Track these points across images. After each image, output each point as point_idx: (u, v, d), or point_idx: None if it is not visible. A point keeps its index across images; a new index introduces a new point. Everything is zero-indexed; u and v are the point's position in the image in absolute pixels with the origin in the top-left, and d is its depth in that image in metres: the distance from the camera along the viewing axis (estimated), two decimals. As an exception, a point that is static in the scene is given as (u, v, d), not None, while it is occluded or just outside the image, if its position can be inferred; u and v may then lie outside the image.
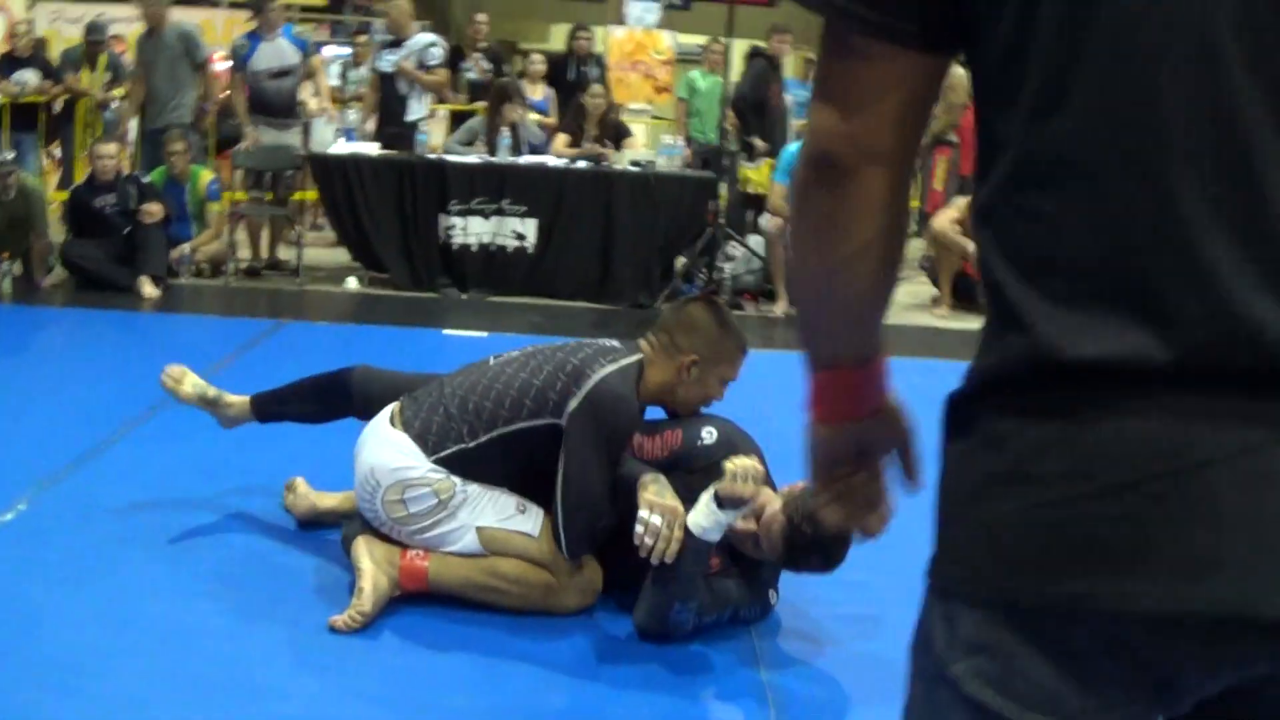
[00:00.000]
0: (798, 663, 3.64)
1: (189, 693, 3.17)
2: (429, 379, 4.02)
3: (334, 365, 6.50)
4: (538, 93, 11.76)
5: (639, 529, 3.48)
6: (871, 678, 3.52)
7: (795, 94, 11.95)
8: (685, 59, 15.29)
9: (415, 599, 3.71)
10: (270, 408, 4.39)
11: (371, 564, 3.64)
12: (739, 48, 11.34)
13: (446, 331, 7.71)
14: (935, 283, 10.45)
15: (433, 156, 9.28)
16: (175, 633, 3.49)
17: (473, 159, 9.29)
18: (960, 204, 10.16)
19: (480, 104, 11.72)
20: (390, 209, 8.93)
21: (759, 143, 10.68)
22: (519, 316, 8.44)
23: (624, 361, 3.72)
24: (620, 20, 15.53)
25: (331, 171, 8.94)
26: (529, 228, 9.15)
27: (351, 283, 9.04)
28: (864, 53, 1.21)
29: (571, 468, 3.59)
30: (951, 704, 1.26)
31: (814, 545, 3.51)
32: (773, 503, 3.58)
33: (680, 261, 9.48)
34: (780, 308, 9.28)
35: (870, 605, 3.96)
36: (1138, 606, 1.13)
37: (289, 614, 3.66)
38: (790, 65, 13.19)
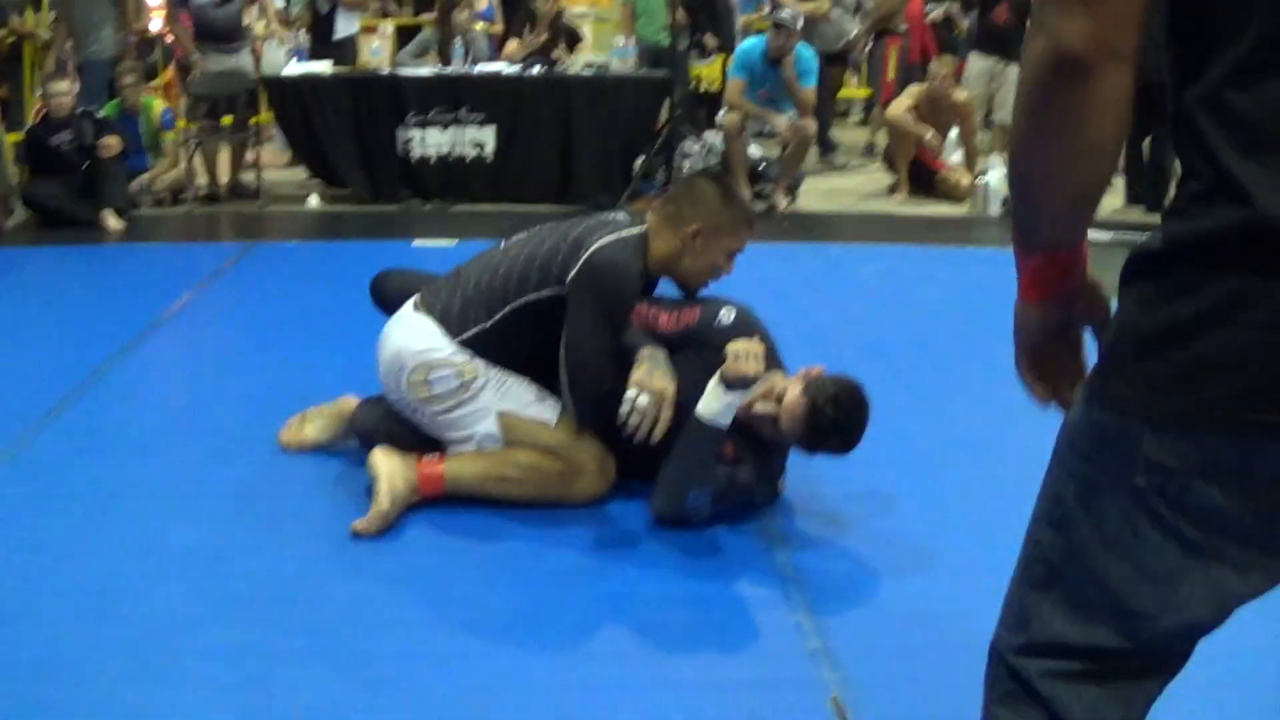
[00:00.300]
0: (812, 542, 3.75)
1: (228, 608, 3.24)
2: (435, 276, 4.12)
3: (307, 284, 6.61)
4: (483, 0, 11.67)
5: (624, 409, 3.59)
6: (885, 553, 3.66)
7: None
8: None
9: (434, 504, 3.78)
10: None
11: (388, 468, 3.71)
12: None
13: (415, 243, 7.70)
14: (892, 170, 10.51)
15: (386, 71, 9.23)
16: (202, 553, 3.56)
17: (426, 71, 9.25)
18: (914, 91, 10.21)
19: (426, 16, 11.66)
20: (347, 126, 8.90)
21: (710, 39, 10.67)
22: (485, 223, 8.43)
23: (625, 232, 3.78)
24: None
25: (286, 93, 8.91)
26: (487, 135, 9.15)
27: (313, 201, 9.01)
28: None
29: (572, 334, 3.68)
30: (1136, 511, 1.45)
31: (835, 427, 3.63)
32: (792, 386, 3.69)
33: (639, 161, 9.50)
34: (743, 202, 9.32)
35: (877, 483, 4.08)
36: None
37: (312, 525, 3.74)
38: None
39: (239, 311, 6.02)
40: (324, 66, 9.28)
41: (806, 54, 9.37)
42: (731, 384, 3.59)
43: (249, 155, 9.26)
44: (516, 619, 3.23)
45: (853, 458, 3.79)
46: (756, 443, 3.84)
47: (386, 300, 4.21)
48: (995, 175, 9.78)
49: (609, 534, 3.74)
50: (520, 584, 3.42)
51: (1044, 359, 1.64)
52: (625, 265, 3.71)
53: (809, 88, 9.34)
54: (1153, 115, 9.98)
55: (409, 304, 3.95)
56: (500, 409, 3.78)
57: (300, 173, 9.64)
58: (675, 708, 2.85)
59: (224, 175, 9.36)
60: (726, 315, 3.90)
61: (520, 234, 3.98)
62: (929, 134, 9.98)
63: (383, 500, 3.65)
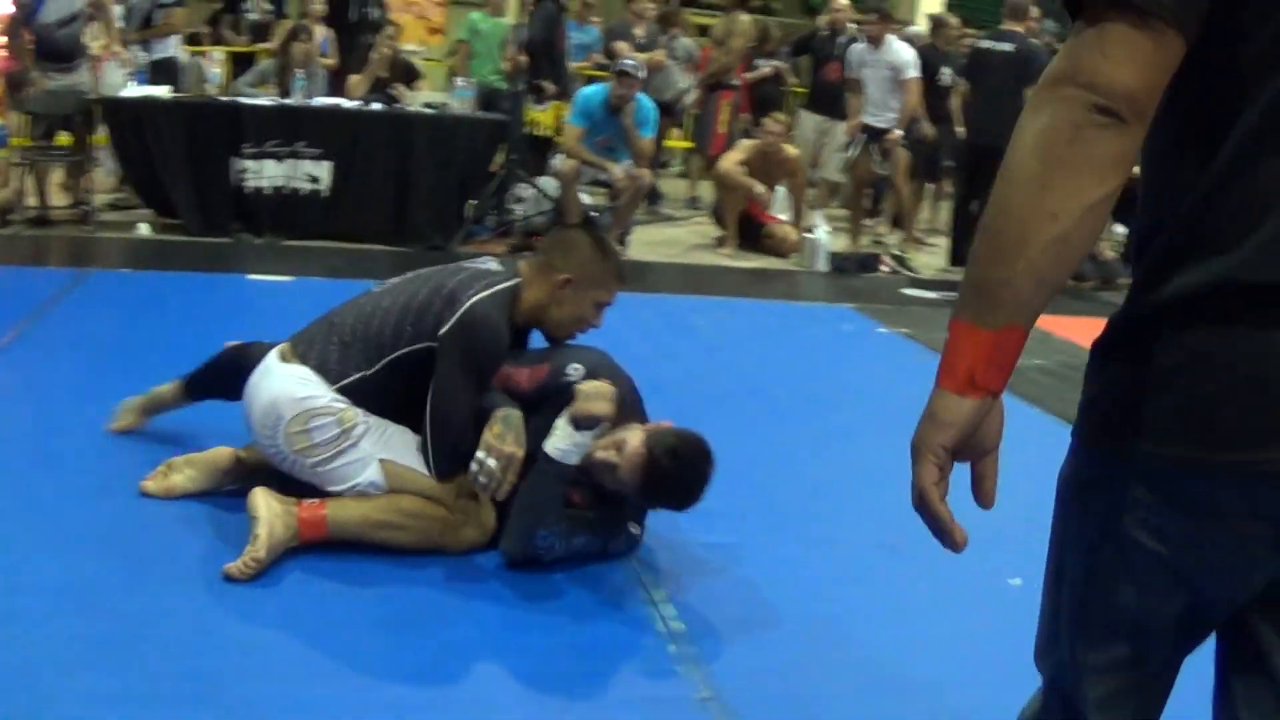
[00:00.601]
0: (683, 590, 3.83)
1: (102, 653, 3.15)
2: None
3: (144, 316, 6.49)
4: (317, 34, 11.59)
5: (474, 467, 3.65)
6: (754, 599, 3.79)
7: (574, 37, 12.04)
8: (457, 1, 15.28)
9: (309, 547, 3.75)
10: (198, 388, 4.50)
11: (268, 513, 3.66)
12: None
13: (250, 277, 7.62)
14: (720, 223, 10.71)
15: (225, 99, 9.12)
16: (70, 594, 3.45)
17: (267, 101, 9.15)
18: (746, 146, 10.45)
19: (261, 45, 11.55)
20: (182, 152, 8.71)
21: (548, 85, 10.76)
22: (318, 260, 8.39)
23: (499, 286, 3.81)
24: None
25: (123, 115, 8.70)
26: (323, 170, 9.07)
27: (143, 228, 8.82)
28: (1160, 35, 1.42)
29: (438, 388, 3.70)
30: (1129, 544, 1.58)
31: (672, 480, 3.71)
32: (633, 436, 3.75)
33: (470, 204, 9.53)
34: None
35: (736, 531, 4.22)
36: None
37: (185, 567, 3.66)
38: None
39: (78, 343, 5.86)
40: (163, 90, 9.12)
41: (646, 104, 9.53)
42: (579, 423, 3.66)
43: (86, 179, 9.04)
44: (397, 668, 3.23)
45: (710, 506, 3.87)
46: (604, 493, 3.89)
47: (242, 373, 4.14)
48: (822, 231, 10.05)
49: (492, 587, 3.75)
50: (400, 631, 3.41)
51: (943, 470, 1.55)
52: (496, 324, 3.76)
53: (647, 137, 9.49)
54: (980, 177, 10.42)
55: (273, 355, 3.91)
56: (382, 456, 3.77)
57: (130, 198, 9.45)
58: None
59: (53, 198, 9.11)
60: (574, 372, 3.91)
61: (394, 279, 3.99)
62: (759, 189, 10.21)
63: (260, 545, 3.60)
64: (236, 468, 4.13)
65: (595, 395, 3.69)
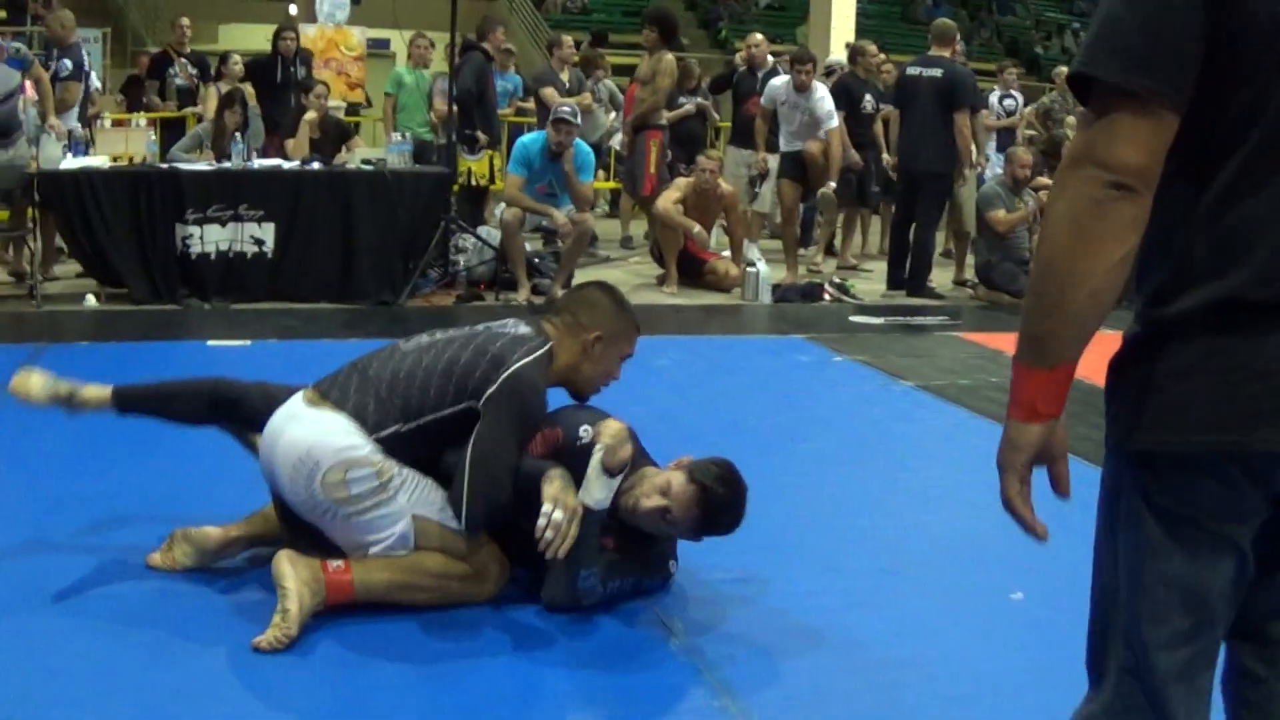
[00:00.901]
0: (707, 626, 3.91)
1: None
2: (281, 387, 4.11)
3: (109, 381, 6.43)
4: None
5: (541, 522, 3.67)
6: (770, 628, 3.88)
7: (496, 84, 12.10)
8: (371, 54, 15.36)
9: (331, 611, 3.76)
10: (133, 404, 4.38)
11: (296, 582, 3.65)
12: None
13: (210, 343, 7.60)
14: (660, 262, 10.81)
15: (165, 166, 9.10)
16: (92, 674, 3.44)
17: (204, 166, 9.14)
18: (681, 184, 10.55)
19: (189, 110, 11.54)
20: (125, 222, 8.69)
21: (481, 135, 10.82)
22: (271, 322, 8.39)
23: (538, 352, 3.89)
24: (303, 19, 15.41)
25: (63, 187, 8.65)
26: (267, 232, 9.08)
27: (90, 300, 8.77)
28: (1159, 117, 1.75)
29: (482, 449, 3.73)
30: (1171, 519, 1.87)
31: (727, 505, 3.87)
32: (673, 476, 3.88)
33: (421, 259, 9.54)
34: (524, 295, 9.47)
35: (739, 567, 4.30)
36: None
37: (207, 638, 3.66)
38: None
39: (55, 419, 5.81)
40: (101, 160, 9.09)
41: (584, 149, 9.63)
42: (613, 471, 3.79)
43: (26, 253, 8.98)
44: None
45: (715, 541, 4.02)
46: (636, 533, 3.99)
47: (241, 414, 4.20)
48: (762, 264, 10.17)
49: (516, 635, 3.79)
50: (435, 692, 3.44)
51: (1025, 483, 1.91)
52: (540, 390, 3.87)
53: (588, 182, 9.59)
54: (915, 202, 10.62)
55: (298, 400, 3.92)
56: (415, 512, 3.80)
57: (72, 269, 9.39)
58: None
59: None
60: (585, 433, 3.98)
61: (423, 338, 4.03)
62: (695, 228, 10.31)
63: (291, 620, 3.59)
64: (230, 546, 4.13)
65: (620, 441, 3.80)
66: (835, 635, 3.86)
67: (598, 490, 3.78)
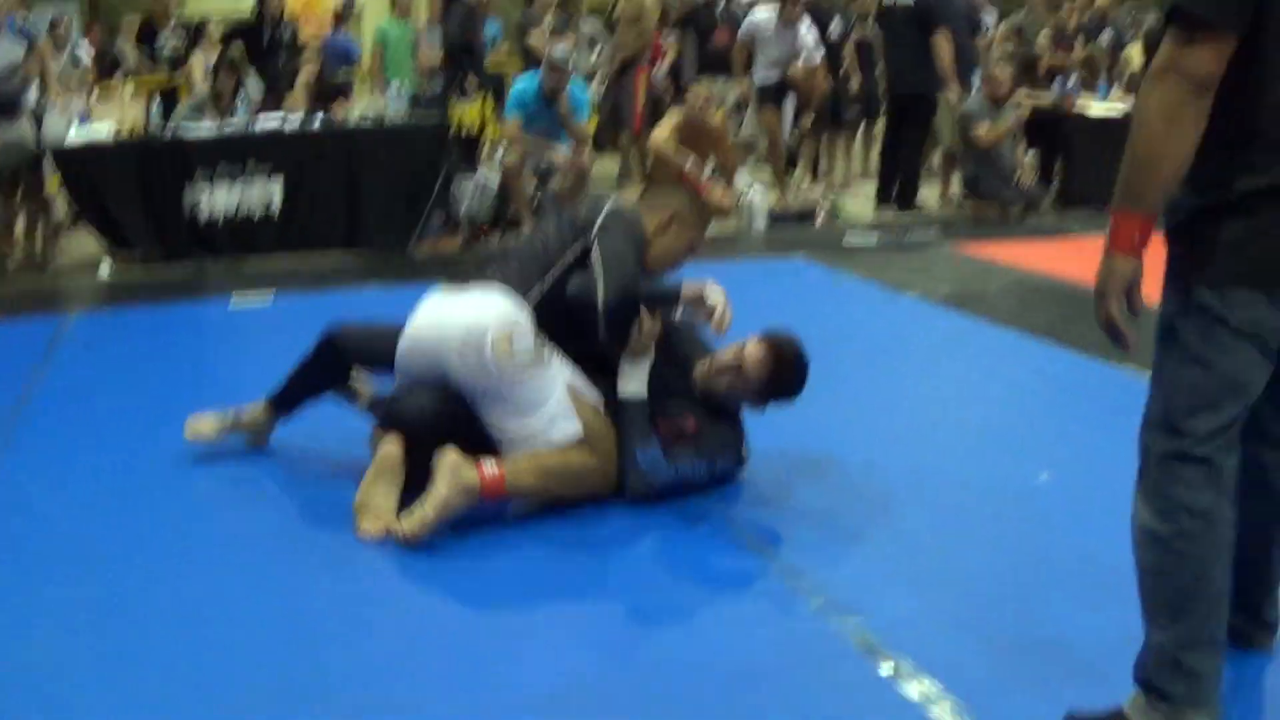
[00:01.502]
0: (767, 520, 4.22)
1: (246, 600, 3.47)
2: (389, 327, 4.38)
3: (150, 348, 6.66)
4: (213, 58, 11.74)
5: (712, 300, 4.41)
6: (831, 523, 4.18)
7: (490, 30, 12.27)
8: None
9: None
10: (286, 399, 4.69)
11: (449, 489, 3.92)
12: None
13: (233, 302, 7.79)
14: (656, 195, 11.01)
15: (168, 135, 9.27)
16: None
17: (209, 128, 9.31)
18: (673, 117, 10.70)
19: (178, 75, 11.68)
20: (135, 189, 8.87)
21: (471, 80, 10.99)
22: (286, 276, 8.55)
23: (627, 204, 4.46)
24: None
25: (72, 161, 8.83)
26: (275, 188, 9.26)
27: (104, 269, 8.93)
28: (1225, 39, 2.47)
29: (609, 253, 4.21)
30: (1226, 331, 2.60)
31: (795, 366, 4.32)
32: (749, 342, 4.32)
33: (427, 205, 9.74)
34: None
35: (810, 463, 4.68)
36: None
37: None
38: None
39: (88, 385, 5.98)
40: (106, 130, 9.24)
41: (578, 90, 9.82)
42: (636, 355, 4.29)
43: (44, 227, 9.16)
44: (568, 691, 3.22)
45: (766, 442, 4.42)
46: (713, 412, 4.37)
47: (355, 355, 4.49)
48: (757, 193, 10.39)
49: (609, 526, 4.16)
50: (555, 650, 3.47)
51: (1119, 299, 2.60)
52: (636, 216, 4.40)
53: (582, 122, 9.79)
54: (905, 127, 10.86)
55: (442, 294, 4.33)
56: (566, 378, 4.19)
57: (82, 240, 9.56)
58: None
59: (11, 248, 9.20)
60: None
61: (526, 231, 4.47)
62: (689, 161, 10.50)
63: (429, 518, 3.91)
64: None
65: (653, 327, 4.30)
66: (881, 525, 4.16)
67: (633, 382, 4.22)
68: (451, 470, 3.94)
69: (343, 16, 13.81)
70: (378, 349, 4.35)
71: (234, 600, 3.65)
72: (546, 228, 4.42)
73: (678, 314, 4.52)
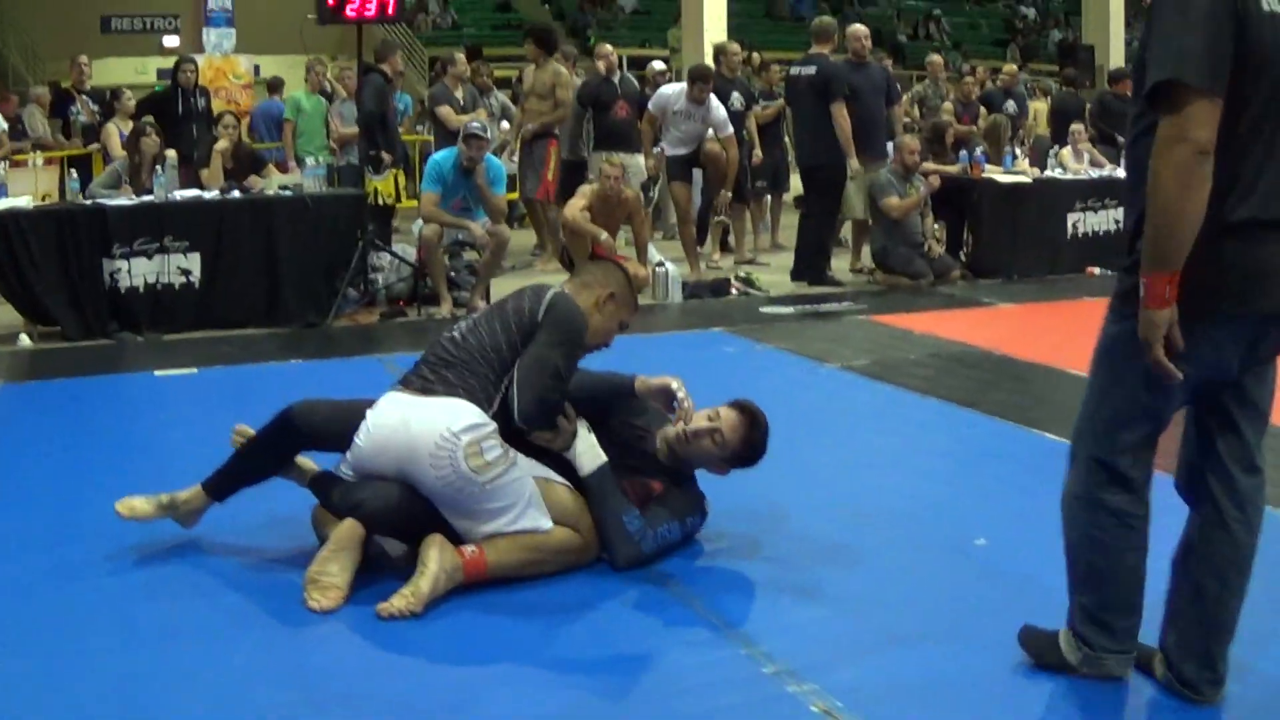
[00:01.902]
0: (710, 582, 4.35)
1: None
2: (355, 403, 4.43)
3: (71, 418, 6.63)
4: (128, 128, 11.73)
5: (681, 394, 4.60)
6: (785, 582, 4.30)
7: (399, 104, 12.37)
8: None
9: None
10: (225, 484, 4.60)
11: (438, 567, 4.03)
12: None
13: (157, 373, 7.78)
14: (570, 269, 11.12)
15: (89, 203, 9.24)
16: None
17: (127, 200, 9.29)
18: (586, 191, 10.85)
19: (93, 146, 11.66)
20: (53, 260, 8.80)
21: (385, 155, 11.05)
22: (205, 350, 8.52)
23: (566, 291, 4.49)
24: (188, 50, 15.50)
25: (-8, 231, 8.78)
26: (193, 262, 9.24)
27: (24, 340, 8.87)
28: (1216, 104, 2.88)
29: (543, 351, 4.28)
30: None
31: (764, 433, 4.56)
32: (723, 410, 4.56)
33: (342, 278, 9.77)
34: (446, 309, 9.76)
35: (746, 532, 4.78)
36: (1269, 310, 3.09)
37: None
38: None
39: (16, 454, 5.96)
40: (25, 201, 9.20)
41: (495, 163, 9.96)
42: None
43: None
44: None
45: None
46: (670, 474, 4.57)
47: (310, 433, 4.47)
48: (669, 264, 10.56)
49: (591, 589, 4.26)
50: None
51: (1161, 345, 2.97)
52: (575, 306, 4.42)
53: (500, 195, 9.90)
54: (812, 198, 11.10)
55: (404, 397, 4.28)
56: (533, 473, 4.28)
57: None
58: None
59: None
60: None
61: (461, 323, 4.51)
62: (603, 235, 10.65)
63: (422, 593, 3.98)
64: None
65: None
66: (829, 590, 4.27)
67: (587, 457, 4.38)
68: (439, 549, 4.06)
69: (273, 86, 13.89)
70: (336, 432, 4.37)
71: (174, 683, 3.63)
72: (494, 324, 4.38)
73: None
